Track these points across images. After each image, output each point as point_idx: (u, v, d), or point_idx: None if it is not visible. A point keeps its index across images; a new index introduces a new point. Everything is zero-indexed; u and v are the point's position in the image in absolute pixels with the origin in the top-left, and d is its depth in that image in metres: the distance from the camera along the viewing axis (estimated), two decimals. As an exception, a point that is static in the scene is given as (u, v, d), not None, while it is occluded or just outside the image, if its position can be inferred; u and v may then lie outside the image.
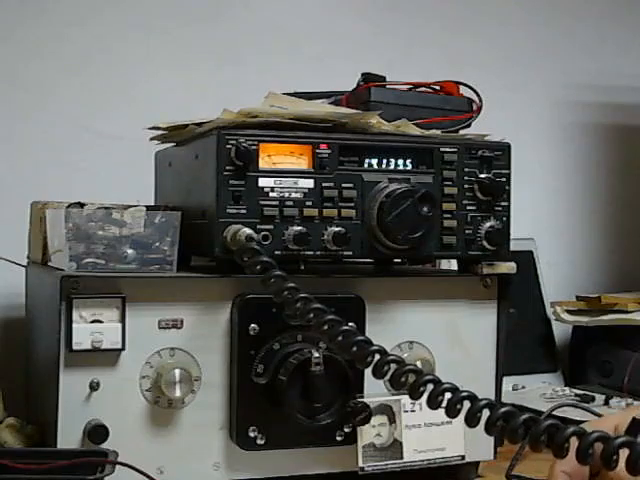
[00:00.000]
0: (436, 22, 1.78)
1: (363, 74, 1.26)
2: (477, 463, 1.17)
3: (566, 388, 1.60)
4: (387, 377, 0.82)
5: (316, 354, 1.02)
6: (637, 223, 1.95)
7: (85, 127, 1.50)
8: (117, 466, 0.92)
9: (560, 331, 1.77)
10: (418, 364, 1.09)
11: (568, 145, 1.91)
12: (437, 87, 1.27)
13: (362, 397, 1.07)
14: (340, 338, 0.87)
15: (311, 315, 0.91)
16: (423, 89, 1.27)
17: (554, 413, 1.29)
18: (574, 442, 0.68)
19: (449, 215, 1.11)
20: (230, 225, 1.02)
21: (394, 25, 1.74)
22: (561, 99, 1.90)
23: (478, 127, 1.22)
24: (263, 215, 1.04)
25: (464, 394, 0.75)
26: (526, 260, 1.73)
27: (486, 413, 0.72)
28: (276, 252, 1.04)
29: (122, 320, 1.00)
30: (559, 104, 1.90)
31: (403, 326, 1.12)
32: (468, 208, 1.12)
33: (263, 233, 1.04)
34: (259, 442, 1.04)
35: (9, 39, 1.47)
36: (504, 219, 1.13)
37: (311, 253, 1.06)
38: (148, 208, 1.08)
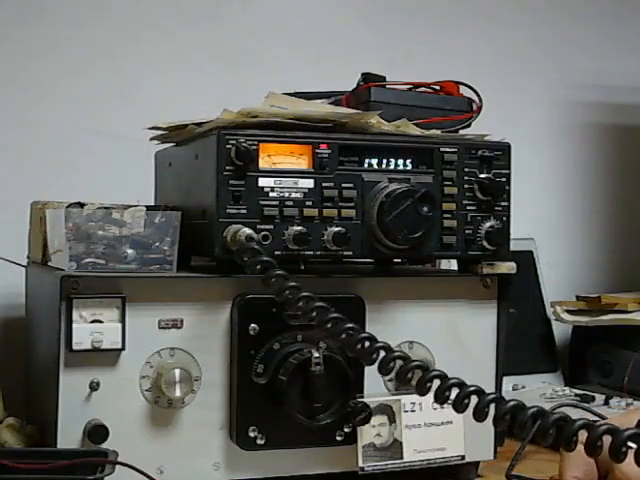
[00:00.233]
0: (436, 22, 1.78)
1: (363, 74, 1.26)
2: (477, 463, 1.17)
3: (566, 388, 1.60)
4: (393, 373, 0.82)
5: (316, 354, 1.02)
6: (637, 223, 1.95)
7: (85, 127, 1.50)
8: (117, 466, 0.92)
9: (560, 331, 1.77)
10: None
11: (568, 145, 1.91)
12: (437, 87, 1.27)
13: (362, 397, 1.07)
14: (344, 336, 0.87)
15: (314, 313, 0.91)
16: (423, 89, 1.27)
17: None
18: (582, 438, 0.68)
19: (449, 215, 1.11)
20: (230, 225, 1.02)
21: (394, 25, 1.74)
22: (561, 99, 1.90)
23: (478, 127, 1.22)
24: (263, 215, 1.04)
25: (472, 389, 0.75)
26: (526, 260, 1.73)
27: (494, 408, 0.73)
28: (276, 252, 1.04)
29: (122, 320, 1.00)
30: (559, 104, 1.90)
31: (403, 326, 1.12)
32: (468, 208, 1.12)
33: (263, 233, 1.04)
34: (259, 442, 1.04)
35: (9, 39, 1.47)
36: (504, 219, 1.13)
37: (311, 253, 1.06)
38: (148, 208, 1.08)
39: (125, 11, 1.55)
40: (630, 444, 0.66)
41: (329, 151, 1.07)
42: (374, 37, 1.71)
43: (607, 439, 0.67)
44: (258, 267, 0.96)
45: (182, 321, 1.04)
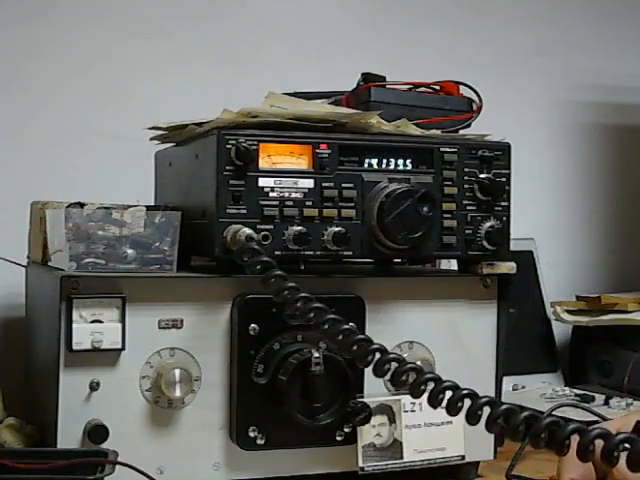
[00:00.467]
0: (436, 22, 1.78)
1: (363, 74, 1.26)
2: (477, 463, 1.17)
3: (566, 388, 1.60)
4: (388, 376, 0.82)
5: (316, 354, 1.02)
6: (637, 223, 1.95)
7: (85, 127, 1.50)
8: (117, 466, 0.92)
9: (560, 331, 1.77)
10: (418, 364, 1.09)
11: (568, 145, 1.91)
12: (437, 87, 1.27)
13: (362, 397, 1.07)
14: (340, 337, 0.87)
15: (311, 314, 0.91)
16: (423, 89, 1.27)
17: (554, 413, 1.29)
18: (575, 442, 0.68)
19: (449, 215, 1.11)
20: (230, 225, 1.02)
21: (394, 25, 1.74)
22: (561, 99, 1.90)
23: (478, 127, 1.22)
24: (263, 215, 1.04)
25: (465, 392, 0.75)
26: (526, 260, 1.73)
27: (487, 411, 0.73)
28: (276, 252, 1.04)
29: (122, 320, 1.00)
30: (559, 104, 1.90)
31: (403, 326, 1.12)
32: (468, 208, 1.12)
33: (263, 233, 1.04)
34: (259, 442, 1.04)
35: (9, 39, 1.47)
36: (504, 219, 1.13)
37: (311, 253, 1.06)
38: (148, 208, 1.08)
39: (125, 11, 1.55)
40: (623, 446, 0.65)
41: (329, 151, 1.07)
42: (374, 37, 1.71)
43: (599, 443, 0.67)
44: (258, 267, 0.96)
45: (182, 321, 1.04)
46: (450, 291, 1.14)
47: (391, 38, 1.73)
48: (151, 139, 1.24)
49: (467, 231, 1.12)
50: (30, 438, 1.10)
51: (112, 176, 1.49)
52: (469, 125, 1.23)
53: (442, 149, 1.11)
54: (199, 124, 1.09)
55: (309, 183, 1.06)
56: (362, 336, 0.86)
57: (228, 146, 1.03)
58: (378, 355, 0.83)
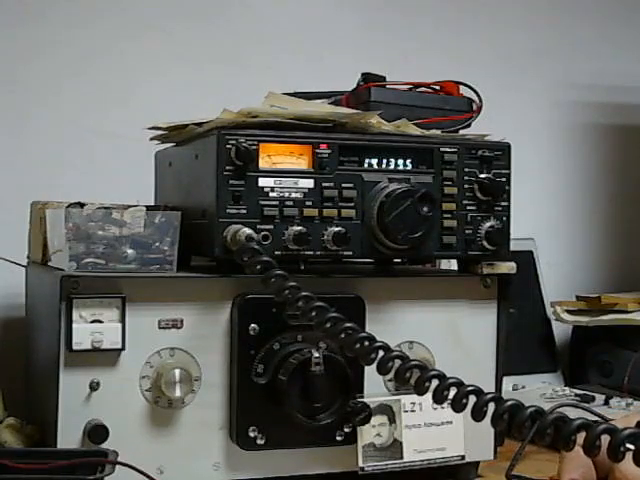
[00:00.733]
0: (436, 22, 1.78)
1: (363, 74, 1.26)
2: (477, 463, 1.17)
3: (566, 388, 1.60)
4: (392, 373, 0.82)
5: (316, 354, 1.02)
6: (637, 223, 1.95)
7: (85, 127, 1.50)
8: (117, 466, 0.92)
9: (560, 331, 1.77)
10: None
11: (568, 145, 1.91)
12: (437, 87, 1.27)
13: (362, 397, 1.07)
14: (343, 335, 0.87)
15: (313, 313, 0.91)
16: (423, 89, 1.27)
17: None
18: (580, 439, 0.69)
19: (449, 215, 1.11)
20: (230, 225, 1.02)
21: (394, 25, 1.74)
22: (561, 99, 1.90)
23: (478, 127, 1.22)
24: (263, 215, 1.04)
25: (470, 388, 0.75)
26: (526, 260, 1.73)
27: (492, 407, 0.73)
28: (276, 252, 1.04)
29: (122, 320, 1.00)
30: (559, 104, 1.90)
31: (403, 326, 1.12)
32: (468, 208, 1.12)
33: (263, 233, 1.04)
34: (259, 442, 1.04)
35: (9, 39, 1.47)
36: (504, 219, 1.13)
37: (311, 253, 1.06)
38: (148, 208, 1.08)
39: (125, 11, 1.55)
40: (628, 445, 0.66)
41: (329, 151, 1.07)
42: (374, 37, 1.71)
43: (605, 439, 0.67)
44: (258, 267, 0.96)
45: (182, 321, 1.04)
46: (450, 291, 1.14)
47: (391, 38, 1.73)
48: (151, 139, 1.24)
49: (467, 231, 1.12)
50: (30, 438, 1.10)
51: (112, 176, 1.49)
52: (469, 125, 1.23)
53: (442, 149, 1.11)
54: (199, 124, 1.09)
55: (309, 183, 1.06)
56: (365, 334, 0.86)
57: (228, 146, 1.03)
58: (381, 353, 0.83)
